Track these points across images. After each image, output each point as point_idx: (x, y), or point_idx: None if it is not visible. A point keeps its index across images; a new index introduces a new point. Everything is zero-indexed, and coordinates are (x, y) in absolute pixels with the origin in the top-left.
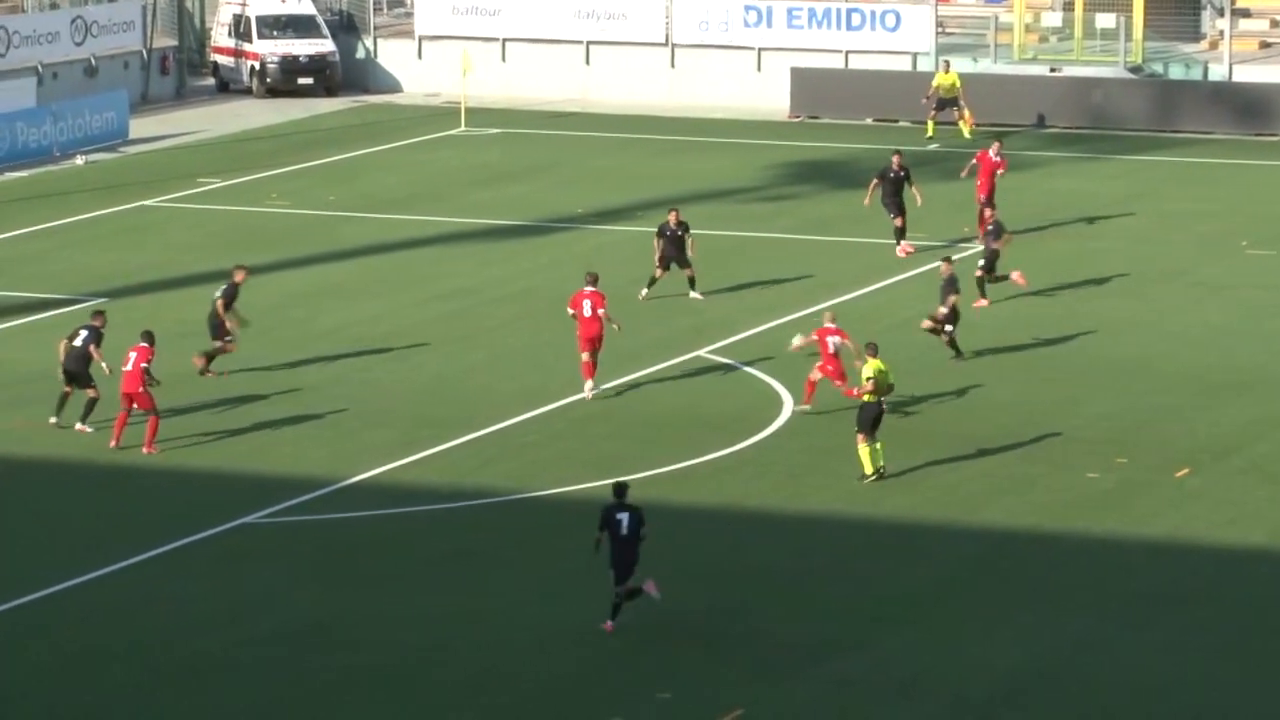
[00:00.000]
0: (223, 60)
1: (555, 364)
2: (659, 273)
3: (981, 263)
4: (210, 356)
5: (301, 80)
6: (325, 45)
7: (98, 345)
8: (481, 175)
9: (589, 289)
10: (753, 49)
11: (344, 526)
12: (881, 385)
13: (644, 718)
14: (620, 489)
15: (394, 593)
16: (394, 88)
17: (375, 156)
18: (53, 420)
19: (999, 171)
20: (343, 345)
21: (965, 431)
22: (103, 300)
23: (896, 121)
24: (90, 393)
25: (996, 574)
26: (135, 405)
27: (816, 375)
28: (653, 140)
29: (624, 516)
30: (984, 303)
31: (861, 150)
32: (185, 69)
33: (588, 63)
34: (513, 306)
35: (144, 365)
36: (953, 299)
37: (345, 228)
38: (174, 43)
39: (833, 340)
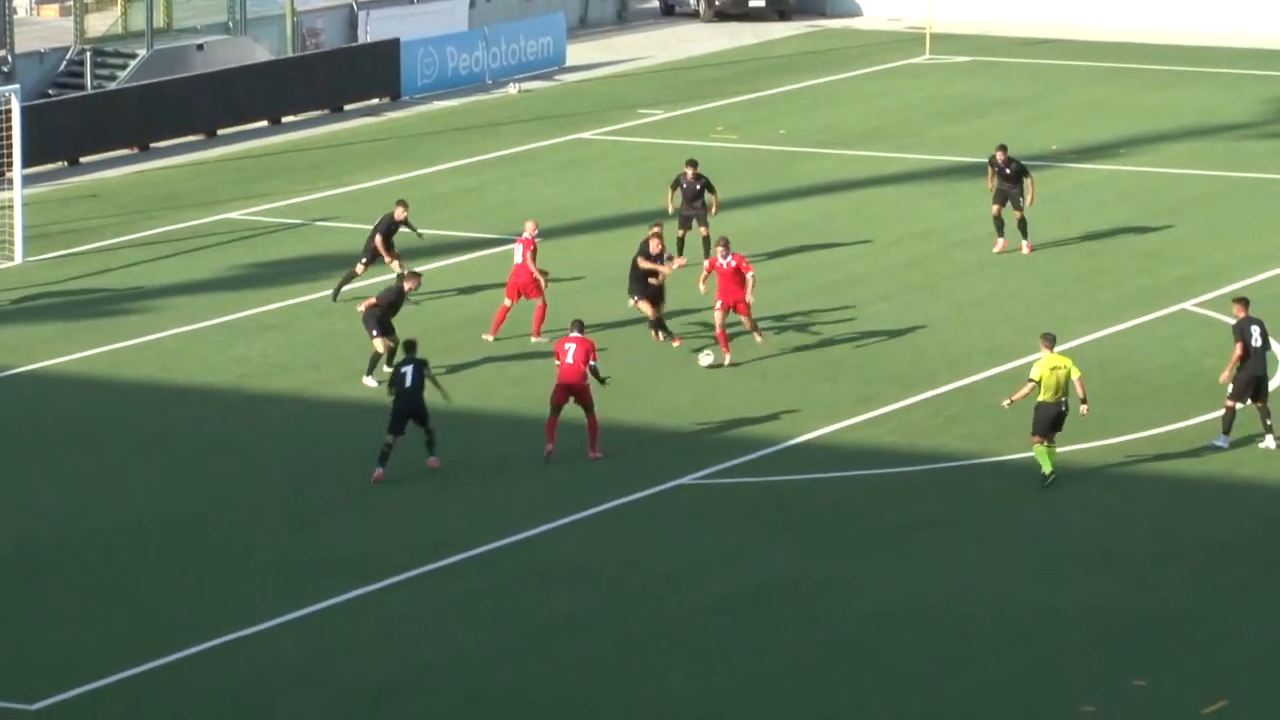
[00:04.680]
0: None
1: (1024, 316)
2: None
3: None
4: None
5: (753, 3)
6: None
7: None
8: (948, 108)
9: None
10: None
11: (788, 489)
12: (1055, 383)
13: (1119, 708)
14: (410, 344)
15: (842, 563)
16: (852, 11)
17: (831, 87)
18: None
19: None
20: (790, 293)
21: None
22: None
23: None
24: None
25: None
26: (574, 399)
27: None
28: (1141, 70)
29: (408, 370)
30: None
31: None
32: None
33: None
34: (978, 252)
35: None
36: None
37: (797, 164)
38: None
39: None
